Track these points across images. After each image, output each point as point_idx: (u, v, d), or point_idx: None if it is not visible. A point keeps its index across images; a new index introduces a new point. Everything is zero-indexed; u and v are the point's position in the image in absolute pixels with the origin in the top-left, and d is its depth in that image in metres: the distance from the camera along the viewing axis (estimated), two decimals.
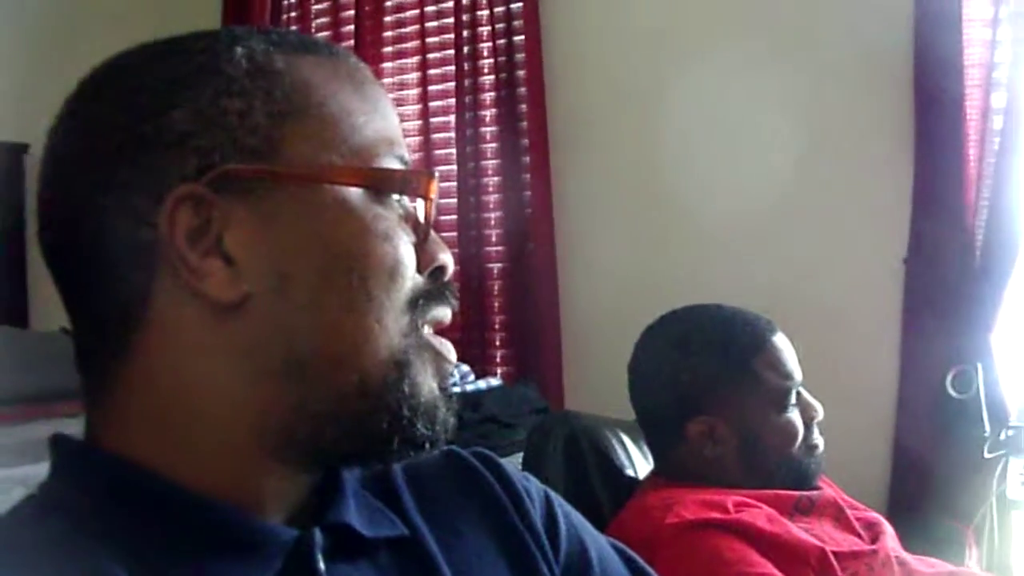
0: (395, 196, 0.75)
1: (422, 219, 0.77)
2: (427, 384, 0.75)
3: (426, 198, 0.76)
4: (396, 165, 0.77)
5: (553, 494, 0.93)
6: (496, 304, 3.86)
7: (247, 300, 0.70)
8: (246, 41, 0.74)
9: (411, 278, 0.74)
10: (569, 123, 3.58)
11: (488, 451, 0.93)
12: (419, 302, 0.74)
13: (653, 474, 1.79)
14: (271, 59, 0.74)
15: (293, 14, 4.28)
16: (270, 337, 0.70)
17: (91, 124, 0.72)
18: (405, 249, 0.74)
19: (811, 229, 3.05)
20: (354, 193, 0.73)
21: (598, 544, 0.92)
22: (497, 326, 3.86)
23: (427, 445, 0.75)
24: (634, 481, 1.82)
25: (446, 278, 0.78)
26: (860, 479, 2.20)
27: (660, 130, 3.33)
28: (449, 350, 0.78)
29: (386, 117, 0.78)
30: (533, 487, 0.91)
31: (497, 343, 3.86)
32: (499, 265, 3.83)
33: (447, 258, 0.78)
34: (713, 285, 2.10)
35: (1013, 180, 2.60)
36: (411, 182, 0.76)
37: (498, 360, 3.86)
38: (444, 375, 0.77)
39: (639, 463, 1.89)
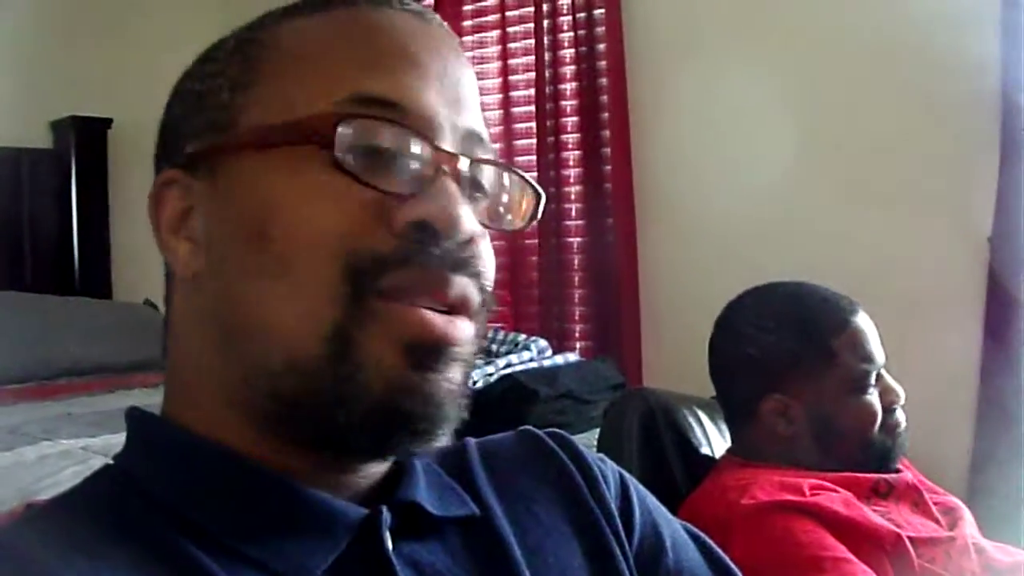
0: (350, 149, 0.68)
1: (400, 167, 0.69)
2: (384, 363, 0.67)
3: (324, 144, 0.67)
4: (369, 112, 0.69)
5: (628, 476, 0.91)
6: (576, 279, 3.87)
7: (198, 275, 0.72)
8: (269, 15, 0.76)
9: (345, 241, 0.67)
10: (650, 93, 3.57)
11: (563, 431, 0.91)
12: (368, 269, 0.66)
13: (729, 453, 1.78)
14: (261, 31, 0.75)
15: None
16: (212, 310, 0.71)
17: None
18: (330, 213, 0.67)
19: (894, 208, 3.01)
20: (290, 154, 0.68)
21: (672, 528, 0.91)
22: (576, 301, 3.87)
23: (405, 434, 0.68)
24: (710, 459, 1.81)
25: (432, 235, 0.68)
26: (940, 463, 2.18)
27: (740, 102, 3.31)
28: (422, 321, 0.68)
29: (371, 60, 0.71)
30: (609, 469, 0.89)
31: (576, 318, 3.87)
32: (579, 240, 3.84)
33: (429, 211, 0.68)
34: (794, 263, 2.08)
35: None
36: (304, 126, 0.68)
37: (576, 335, 3.87)
38: (418, 351, 0.67)
39: (716, 441, 1.88)
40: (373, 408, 0.66)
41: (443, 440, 0.70)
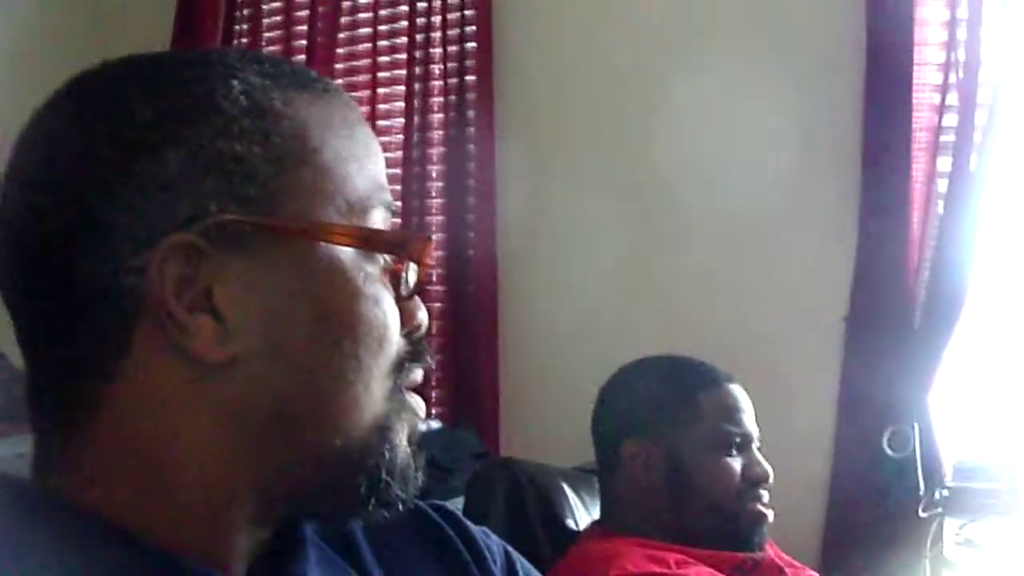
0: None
1: (411, 279, 0.74)
2: (403, 446, 0.73)
3: (421, 263, 0.74)
4: (384, 215, 0.74)
5: (512, 550, 0.91)
6: (434, 344, 3.83)
7: (234, 361, 0.66)
8: (241, 72, 0.69)
9: (396, 342, 0.72)
10: (519, 161, 3.57)
11: (448, 506, 0.91)
12: (403, 365, 0.73)
13: (595, 523, 1.79)
14: (269, 96, 0.69)
15: (245, 26, 4.15)
16: (255, 400, 0.67)
17: (71, 152, 0.67)
18: (392, 312, 0.72)
19: (751, 286, 3.05)
20: (347, 251, 0.70)
21: None
22: (435, 366, 3.83)
23: (401, 505, 0.73)
24: (576, 532, 1.81)
25: (421, 335, 0.76)
26: (795, 537, 2.19)
27: (605, 176, 3.34)
28: (421, 408, 0.76)
29: (377, 162, 0.75)
30: (494, 543, 0.89)
31: (434, 383, 3.83)
32: (438, 305, 3.81)
33: (425, 316, 0.76)
34: (653, 334, 2.10)
35: (955, 243, 2.63)
36: (406, 246, 0.73)
37: (434, 400, 3.83)
38: (416, 434, 0.75)
39: (580, 513, 1.88)
40: (391, 485, 0.72)
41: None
